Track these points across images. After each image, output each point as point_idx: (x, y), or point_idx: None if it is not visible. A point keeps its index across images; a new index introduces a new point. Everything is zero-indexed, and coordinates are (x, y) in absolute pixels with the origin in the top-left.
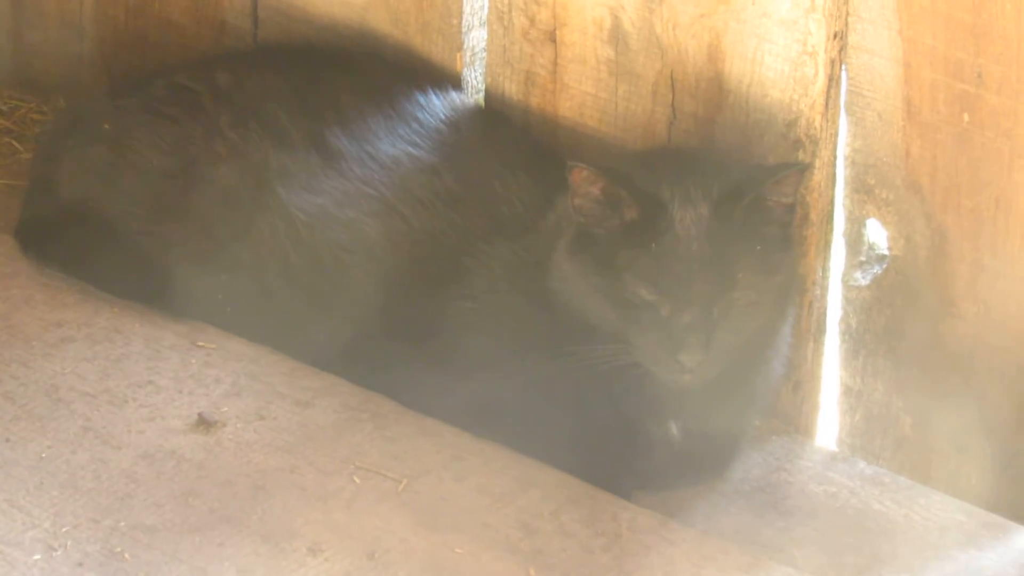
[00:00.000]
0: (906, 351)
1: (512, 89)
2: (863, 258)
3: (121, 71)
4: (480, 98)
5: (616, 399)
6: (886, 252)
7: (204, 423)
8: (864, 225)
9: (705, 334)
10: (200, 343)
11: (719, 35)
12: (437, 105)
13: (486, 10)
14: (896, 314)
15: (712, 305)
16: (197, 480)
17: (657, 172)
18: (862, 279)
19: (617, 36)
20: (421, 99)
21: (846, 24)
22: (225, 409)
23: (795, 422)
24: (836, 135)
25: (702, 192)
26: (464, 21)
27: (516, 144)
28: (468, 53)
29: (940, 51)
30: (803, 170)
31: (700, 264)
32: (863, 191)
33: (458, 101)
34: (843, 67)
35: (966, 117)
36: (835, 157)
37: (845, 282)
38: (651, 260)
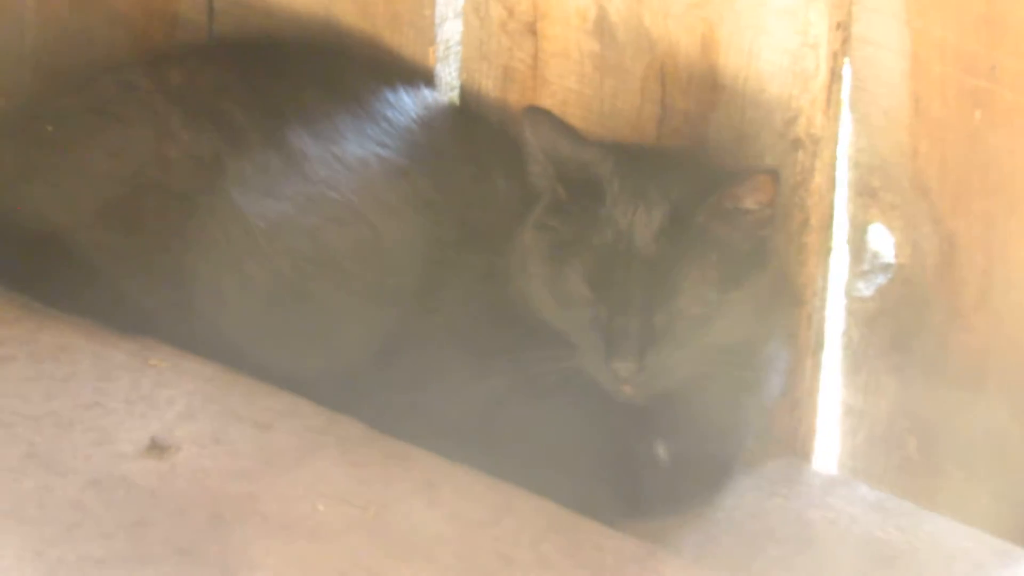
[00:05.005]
0: (912, 367)
1: (489, 85)
2: (866, 267)
3: (65, 69)
4: (454, 95)
5: (596, 418)
6: (891, 260)
7: (157, 448)
8: (868, 231)
9: (640, 342)
10: (152, 361)
11: (713, 26)
12: (408, 103)
13: (461, 1)
14: (901, 327)
15: (653, 312)
16: (149, 509)
17: (620, 164)
18: (865, 289)
19: (603, 28)
20: (391, 96)
21: (850, 14)
22: (179, 432)
23: (792, 444)
24: (838, 134)
25: (661, 191)
26: (437, 12)
27: (493, 145)
28: (442, 47)
29: (951, 43)
30: (772, 175)
31: (644, 266)
32: (867, 194)
33: (431, 99)
34: (846, 60)
35: (978, 114)
36: (837, 157)
37: (847, 293)
38: (593, 255)
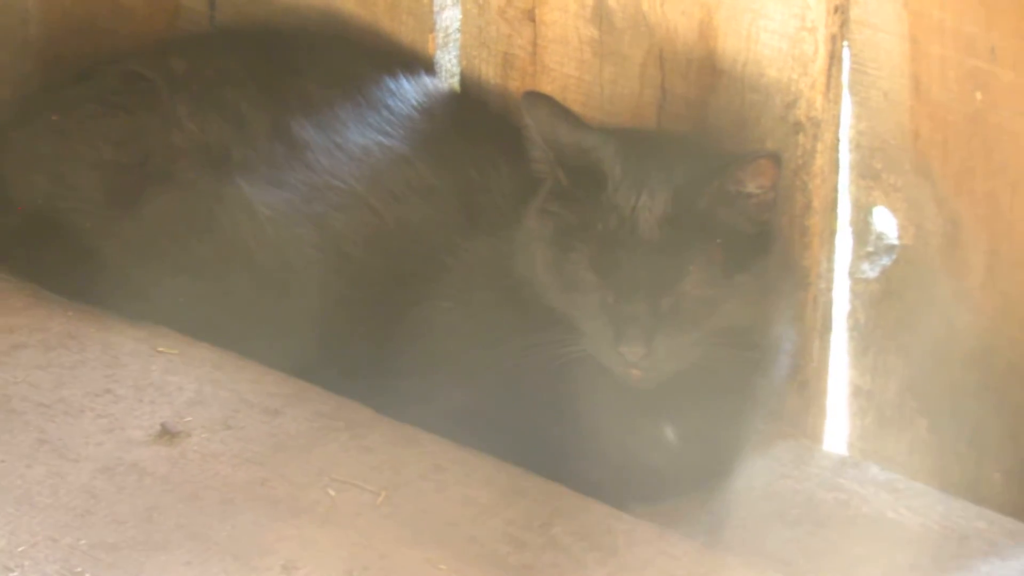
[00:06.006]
0: (919, 347)
1: (489, 72)
2: (871, 248)
3: (69, 58)
4: (455, 82)
5: (605, 402)
6: (895, 242)
7: (167, 434)
8: (871, 213)
9: (647, 326)
10: (161, 348)
11: (711, 11)
12: (408, 90)
13: None
14: (908, 308)
15: (659, 297)
16: (161, 494)
17: (622, 149)
18: (870, 271)
19: (601, 14)
20: (391, 84)
21: None
22: (189, 419)
23: (802, 425)
24: (839, 117)
25: (664, 176)
26: (436, 0)
27: (494, 131)
28: (441, 34)
29: (949, 25)
30: (773, 159)
31: (649, 251)
32: (869, 176)
33: (431, 86)
34: (845, 44)
35: (979, 95)
36: (838, 140)
37: (852, 275)
38: (598, 240)
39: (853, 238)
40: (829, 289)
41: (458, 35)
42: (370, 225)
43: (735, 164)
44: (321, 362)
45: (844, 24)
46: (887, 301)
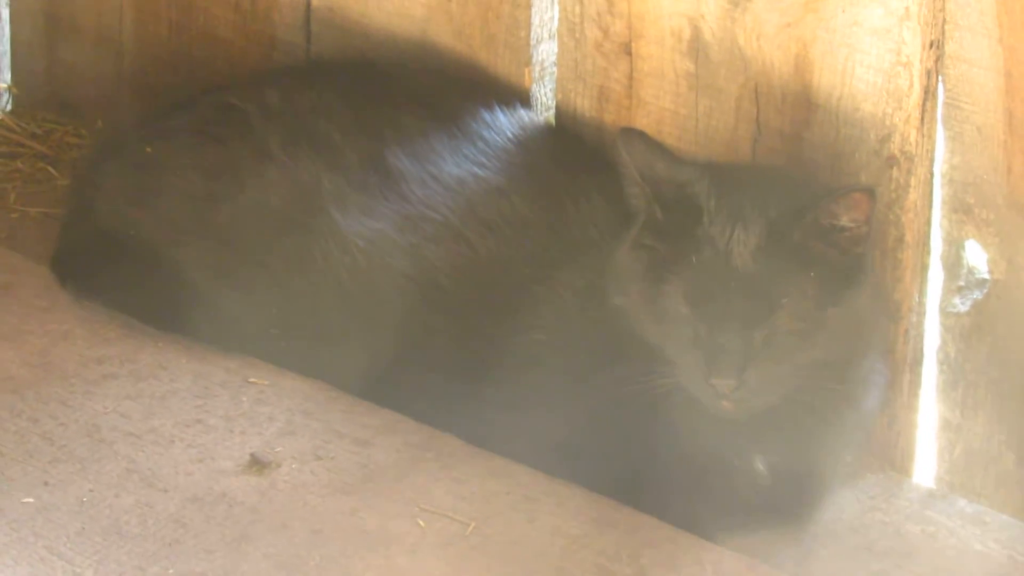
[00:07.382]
0: (1009, 382)
1: (584, 105)
2: (962, 282)
3: (163, 90)
4: (550, 115)
5: (696, 434)
6: (987, 276)
7: (257, 464)
8: (963, 247)
9: (740, 359)
10: (252, 379)
11: (807, 45)
12: (504, 123)
13: (556, 22)
14: (998, 342)
15: (752, 329)
16: (250, 525)
17: (716, 183)
18: (961, 305)
19: (697, 48)
20: (487, 116)
21: (943, 32)
22: (279, 449)
23: (890, 458)
24: (933, 151)
25: (758, 209)
26: (532, 34)
27: (588, 164)
28: (537, 68)
29: None
30: (867, 192)
31: (742, 284)
32: (962, 211)
33: (527, 118)
34: (940, 78)
35: None
36: (932, 175)
37: (943, 309)
38: (692, 273)
39: (944, 272)
40: (920, 323)
41: (554, 69)
42: (464, 256)
43: (829, 198)
44: (412, 393)
45: (939, 59)
46: (977, 335)
